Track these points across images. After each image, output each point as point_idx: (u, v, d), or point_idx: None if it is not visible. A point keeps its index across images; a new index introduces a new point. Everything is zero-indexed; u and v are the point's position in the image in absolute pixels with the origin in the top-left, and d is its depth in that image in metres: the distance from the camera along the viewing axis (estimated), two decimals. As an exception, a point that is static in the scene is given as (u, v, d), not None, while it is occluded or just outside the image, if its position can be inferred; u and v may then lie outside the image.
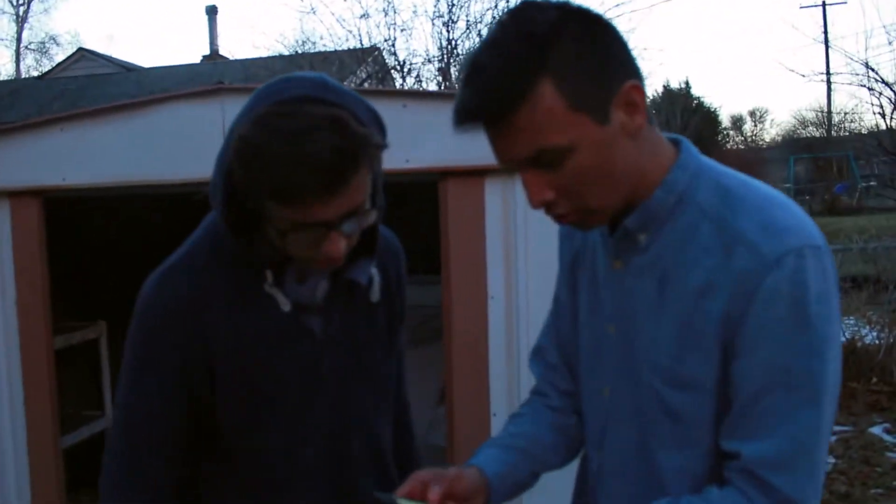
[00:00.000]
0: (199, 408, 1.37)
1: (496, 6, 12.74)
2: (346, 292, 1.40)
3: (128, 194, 3.37)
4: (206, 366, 1.34)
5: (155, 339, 1.34)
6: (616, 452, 1.28)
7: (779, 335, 1.09)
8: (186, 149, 2.93)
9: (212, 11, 19.76)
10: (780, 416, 1.10)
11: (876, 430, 5.74)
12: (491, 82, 1.07)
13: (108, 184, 3.11)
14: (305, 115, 1.15)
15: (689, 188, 1.19)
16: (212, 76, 14.17)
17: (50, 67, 19.91)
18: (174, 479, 1.39)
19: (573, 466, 1.48)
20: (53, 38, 24.32)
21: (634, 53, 1.15)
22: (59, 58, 20.95)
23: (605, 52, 1.10)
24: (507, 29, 1.08)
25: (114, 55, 19.46)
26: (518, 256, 2.89)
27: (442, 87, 12.04)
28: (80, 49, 19.47)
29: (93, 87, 15.29)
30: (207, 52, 19.46)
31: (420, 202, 3.75)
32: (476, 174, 2.89)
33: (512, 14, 1.10)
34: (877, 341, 6.79)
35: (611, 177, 1.14)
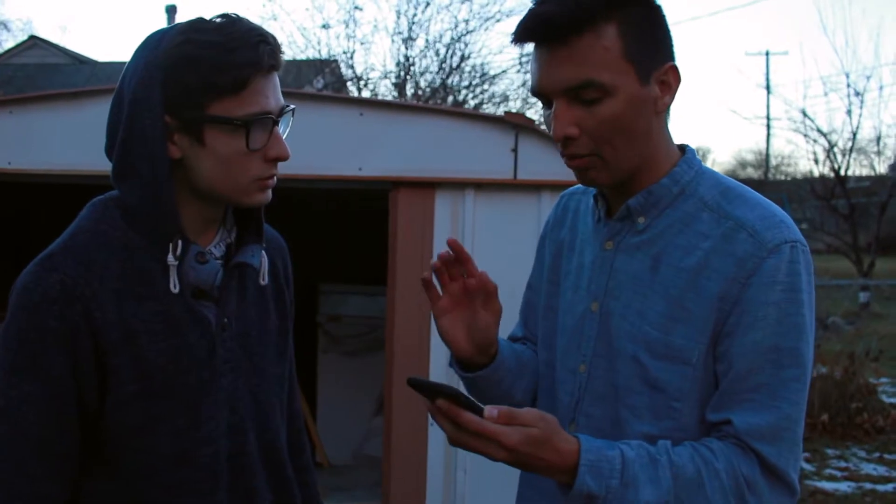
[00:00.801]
0: (87, 408, 1.24)
1: (455, 27, 12.88)
2: (238, 280, 1.35)
3: (76, 184, 3.33)
4: (95, 360, 1.22)
5: (37, 334, 1.20)
6: (590, 427, 1.30)
7: (773, 317, 1.19)
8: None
9: (171, 11, 19.55)
10: (770, 392, 1.19)
11: (799, 462, 5.91)
12: (576, 6, 1.17)
13: (56, 171, 3.07)
14: (220, 15, 1.25)
15: (692, 182, 1.28)
16: (167, 75, 13.89)
17: (-1, 53, 19.42)
18: (63, 491, 1.25)
19: None
20: (4, 24, 23.73)
21: None
22: (9, 44, 20.45)
23: (659, 29, 1.24)
24: None
25: (67, 47, 19.11)
26: (464, 269, 2.93)
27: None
28: (33, 37, 19.03)
29: (42, 76, 14.97)
30: (164, 50, 19.22)
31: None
32: (427, 185, 2.94)
33: None
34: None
35: (632, 134, 1.22)
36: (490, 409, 1.11)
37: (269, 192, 1.30)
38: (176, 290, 1.25)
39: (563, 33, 1.18)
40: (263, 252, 1.37)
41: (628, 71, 1.19)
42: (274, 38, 1.24)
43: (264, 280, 1.38)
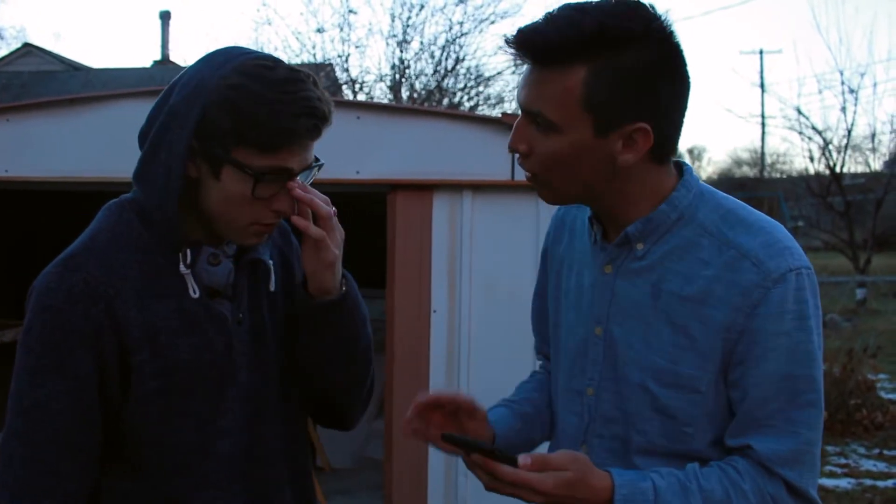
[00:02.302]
0: (110, 406, 1.26)
1: (450, 29, 12.90)
2: (248, 277, 1.37)
3: (73, 190, 3.33)
4: (119, 358, 1.24)
5: (62, 334, 1.22)
6: (603, 447, 1.32)
7: (785, 347, 1.19)
8: (136, 147, 2.92)
9: (165, 17, 19.55)
10: (787, 418, 1.20)
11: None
12: (555, 34, 1.16)
13: (54, 178, 3.07)
14: (287, 68, 1.23)
15: (691, 207, 1.26)
16: (163, 81, 13.90)
17: (-7, 61, 19.38)
18: (87, 490, 1.27)
19: None
20: (-2, 32, 23.66)
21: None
22: (3, 52, 20.42)
23: (642, 84, 1.18)
24: (611, 9, 1.17)
25: (61, 54, 19.07)
26: (462, 271, 2.93)
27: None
28: (27, 44, 19.01)
29: (37, 83, 14.96)
30: (159, 57, 19.20)
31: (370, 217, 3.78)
32: (425, 188, 2.94)
33: (631, 4, 1.18)
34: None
35: (573, 174, 1.23)
36: (523, 458, 1.15)
37: (264, 237, 1.32)
38: (196, 296, 1.28)
39: (534, 58, 1.20)
40: (271, 261, 1.40)
41: (583, 120, 1.18)
42: (324, 111, 1.23)
43: (273, 287, 1.40)
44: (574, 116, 1.17)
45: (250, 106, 1.19)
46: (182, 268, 1.27)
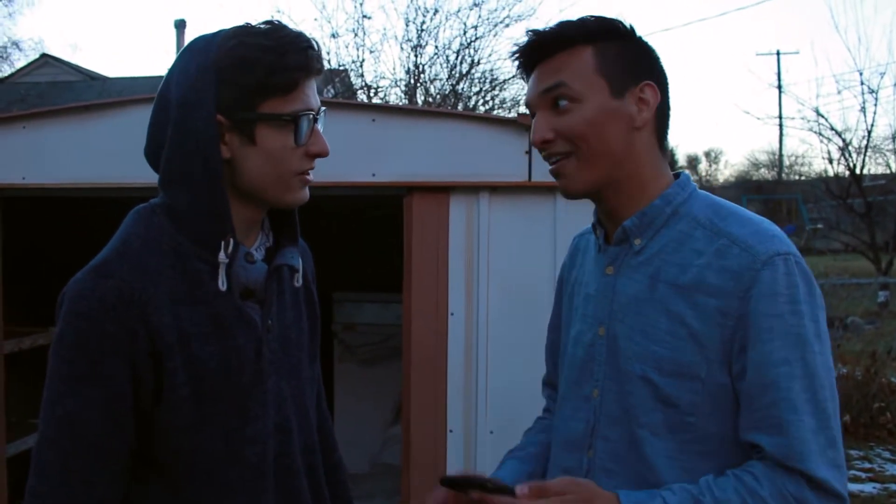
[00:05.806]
0: (142, 411, 1.27)
1: (464, 33, 12.88)
2: (276, 282, 1.38)
3: (89, 197, 3.33)
4: (152, 364, 1.24)
5: (96, 340, 1.21)
6: (607, 450, 1.34)
7: (779, 329, 1.22)
8: (151, 153, 2.91)
9: (180, 25, 19.69)
10: (790, 406, 1.20)
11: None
12: (565, 25, 1.36)
13: (70, 185, 3.07)
14: (263, 21, 1.30)
15: (685, 204, 1.36)
16: (178, 89, 13.99)
17: (11, 72, 19.58)
18: (119, 497, 1.28)
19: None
20: (16, 44, 23.93)
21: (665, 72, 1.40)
22: (22, 63, 20.63)
23: (637, 54, 1.37)
24: (589, 17, 1.38)
25: (78, 64, 19.22)
26: (480, 273, 2.91)
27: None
28: (44, 55, 19.19)
29: (55, 94, 15.09)
30: (174, 65, 19.35)
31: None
32: (441, 190, 2.92)
33: (611, 17, 1.38)
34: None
35: (603, 139, 1.32)
36: (521, 488, 1.18)
37: (307, 191, 1.35)
38: (224, 288, 1.27)
39: (546, 49, 1.34)
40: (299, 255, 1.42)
41: (600, 84, 1.32)
42: (318, 44, 1.31)
43: (299, 282, 1.42)
44: (592, 82, 1.31)
45: (261, 55, 1.25)
46: (222, 255, 1.27)
